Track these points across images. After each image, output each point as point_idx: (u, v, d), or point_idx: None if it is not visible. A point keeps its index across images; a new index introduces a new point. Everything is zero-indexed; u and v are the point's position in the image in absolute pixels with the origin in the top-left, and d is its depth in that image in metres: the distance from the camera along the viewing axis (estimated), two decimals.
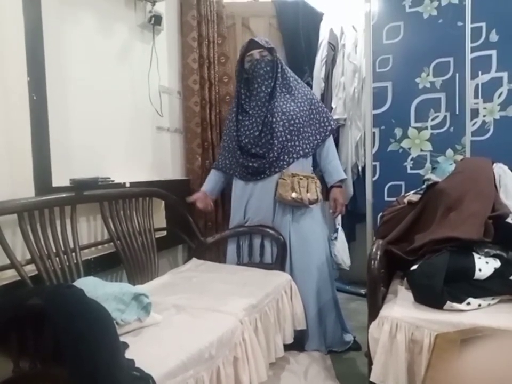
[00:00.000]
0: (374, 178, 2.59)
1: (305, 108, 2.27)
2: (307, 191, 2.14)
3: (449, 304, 1.42)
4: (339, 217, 2.46)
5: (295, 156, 2.21)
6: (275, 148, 2.16)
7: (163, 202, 2.36)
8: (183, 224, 2.35)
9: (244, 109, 2.28)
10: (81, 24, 1.94)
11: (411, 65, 2.50)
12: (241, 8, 2.93)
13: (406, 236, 1.79)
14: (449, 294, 1.43)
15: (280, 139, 2.17)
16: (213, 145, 2.78)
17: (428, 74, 2.47)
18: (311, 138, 2.28)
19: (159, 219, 2.35)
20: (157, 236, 2.20)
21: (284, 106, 2.22)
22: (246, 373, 1.47)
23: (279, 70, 2.26)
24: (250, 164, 2.21)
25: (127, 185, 2.07)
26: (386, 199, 2.54)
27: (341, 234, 2.43)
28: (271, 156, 2.17)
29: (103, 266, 1.92)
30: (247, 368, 1.49)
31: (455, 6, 2.37)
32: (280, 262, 2.17)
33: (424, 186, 1.87)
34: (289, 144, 2.20)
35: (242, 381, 1.44)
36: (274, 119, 2.18)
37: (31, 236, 1.54)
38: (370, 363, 1.48)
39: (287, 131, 2.19)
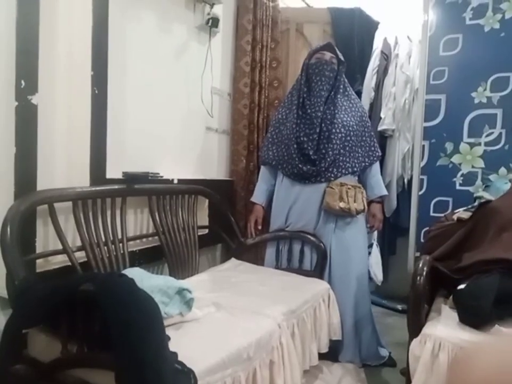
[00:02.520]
0: (420, 193, 2.53)
1: (360, 128, 2.27)
2: (354, 201, 2.13)
3: (497, 327, 1.36)
4: (375, 233, 2.43)
5: (343, 171, 2.20)
6: (328, 159, 2.15)
7: (207, 201, 2.39)
8: (224, 223, 2.37)
9: (304, 105, 2.24)
10: (143, 23, 2.00)
11: (467, 79, 2.43)
12: (296, 14, 2.94)
13: (454, 253, 1.74)
14: (498, 317, 1.38)
15: (336, 151, 2.17)
16: (258, 148, 2.79)
17: (485, 89, 2.39)
18: (360, 158, 2.27)
19: (202, 217, 2.38)
20: (198, 233, 2.24)
21: (345, 119, 2.20)
22: (281, 377, 1.47)
23: (342, 83, 2.26)
24: (300, 166, 2.17)
25: (175, 181, 2.12)
26: (431, 214, 2.47)
27: (375, 249, 2.40)
28: (322, 166, 2.16)
29: (147, 258, 1.97)
30: (282, 372, 1.48)
31: None
32: (320, 270, 2.15)
33: (475, 204, 1.82)
34: (341, 158, 2.19)
35: None
36: (334, 130, 2.16)
37: (83, 224, 1.61)
38: (408, 381, 1.44)
39: (341, 145, 2.18)
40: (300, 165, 2.17)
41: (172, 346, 1.15)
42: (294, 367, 1.56)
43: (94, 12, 1.65)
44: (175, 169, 2.21)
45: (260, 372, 1.36)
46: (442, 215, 2.07)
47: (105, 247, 1.68)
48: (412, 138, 2.86)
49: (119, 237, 1.76)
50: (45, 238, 1.60)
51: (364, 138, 2.29)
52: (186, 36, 2.29)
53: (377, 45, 2.98)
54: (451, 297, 1.59)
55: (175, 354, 1.10)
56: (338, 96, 2.24)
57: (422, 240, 2.42)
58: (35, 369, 1.26)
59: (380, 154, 2.36)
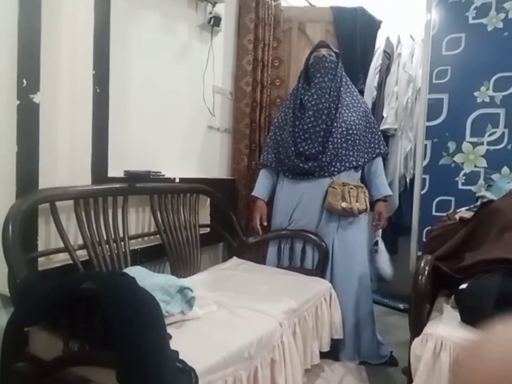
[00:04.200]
0: (422, 192, 2.52)
1: (362, 123, 2.27)
2: (356, 201, 2.13)
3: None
4: (380, 230, 2.43)
5: (347, 165, 2.20)
6: (329, 152, 2.15)
7: (209, 199, 2.39)
8: (226, 222, 2.37)
9: (303, 104, 2.24)
10: (145, 22, 2.00)
11: (470, 78, 2.42)
12: (299, 13, 2.94)
13: (456, 253, 1.74)
14: (500, 317, 1.37)
15: (337, 145, 2.17)
16: (260, 147, 2.79)
17: (488, 89, 2.38)
18: (362, 153, 2.27)
19: (204, 216, 2.38)
20: (200, 232, 2.24)
21: (346, 114, 2.21)
22: (282, 376, 1.47)
23: (342, 74, 2.30)
24: (301, 165, 2.18)
25: (177, 180, 2.12)
26: (434, 213, 2.46)
27: (381, 246, 2.40)
28: (324, 160, 2.16)
29: (148, 257, 1.97)
30: (283, 371, 1.48)
31: None
32: (321, 269, 2.15)
33: (478, 203, 1.81)
34: (343, 152, 2.19)
35: None
36: (336, 124, 2.17)
37: (85, 222, 1.61)
38: (410, 380, 1.44)
39: (343, 139, 2.18)
40: (301, 164, 2.18)
41: (173, 345, 1.15)
42: (295, 366, 1.56)
43: (96, 11, 1.65)
44: (177, 168, 2.21)
45: (261, 371, 1.36)
46: (444, 214, 2.07)
47: (107, 246, 1.69)
48: (414, 137, 2.86)
49: (121, 235, 1.76)
50: (47, 237, 1.60)
51: (366, 134, 2.30)
52: (188, 35, 2.29)
53: (380, 44, 2.97)
54: (453, 296, 1.59)
55: (176, 352, 1.10)
56: (342, 90, 2.25)
57: (424, 240, 2.41)
58: (37, 367, 1.26)
59: (384, 150, 2.35)
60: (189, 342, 1.24)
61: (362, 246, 2.23)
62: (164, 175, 1.99)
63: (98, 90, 1.69)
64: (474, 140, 2.42)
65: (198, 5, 2.31)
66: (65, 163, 1.65)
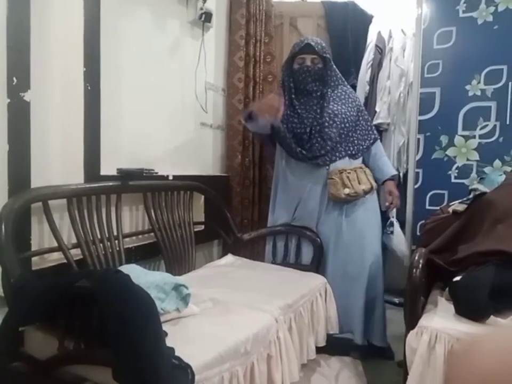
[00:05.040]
0: (416, 186, 2.53)
1: (354, 113, 2.27)
2: (359, 183, 2.13)
3: (492, 319, 1.37)
4: (394, 210, 2.41)
5: (343, 153, 2.21)
6: (322, 151, 2.17)
7: (202, 197, 2.39)
8: (220, 219, 2.37)
9: (293, 105, 2.23)
10: (135, 18, 1.99)
11: (461, 72, 2.43)
12: (290, 8, 2.93)
13: (449, 246, 1.75)
14: (494, 308, 1.39)
15: (329, 142, 2.17)
16: (253, 143, 2.79)
17: (479, 82, 2.40)
18: (355, 142, 2.27)
19: (198, 213, 2.38)
20: (195, 230, 2.24)
21: (335, 108, 2.21)
22: (279, 371, 1.47)
23: (331, 77, 2.25)
24: (298, 150, 2.20)
25: (170, 178, 2.11)
26: (427, 207, 2.48)
27: (396, 226, 2.36)
28: (318, 155, 2.18)
29: (143, 255, 1.96)
30: (280, 366, 1.49)
31: None
32: (316, 264, 2.16)
33: (471, 196, 1.82)
34: (337, 145, 2.21)
35: (275, 379, 1.44)
36: (326, 123, 2.17)
37: (78, 221, 1.60)
38: (405, 373, 1.45)
39: (337, 133, 2.19)
40: (298, 150, 2.20)
41: (169, 342, 1.15)
42: (291, 361, 1.56)
43: (86, 8, 1.64)
44: (170, 165, 2.20)
45: (258, 366, 1.37)
46: (438, 208, 2.08)
47: (101, 244, 1.68)
48: (407, 131, 2.86)
49: (115, 233, 1.75)
50: (40, 236, 1.59)
51: (359, 122, 2.30)
52: (179, 31, 2.27)
53: (371, 39, 2.97)
54: (447, 289, 1.60)
55: (172, 349, 1.09)
56: (328, 91, 2.24)
57: (418, 234, 2.43)
58: (32, 366, 1.26)
59: (377, 136, 2.38)
60: (185, 338, 1.24)
61: (373, 227, 2.23)
62: (157, 173, 1.98)
63: (89, 88, 1.67)
64: (466, 133, 2.43)
65: (188, 0, 2.30)
66: (57, 161, 1.64)
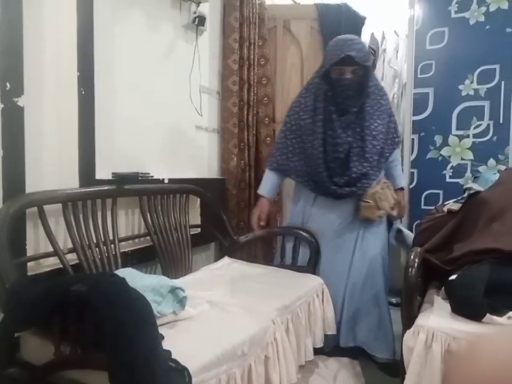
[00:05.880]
0: (411, 186, 2.55)
1: (386, 122, 2.10)
2: (386, 201, 2.05)
3: (488, 317, 1.37)
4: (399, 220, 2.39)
5: (373, 178, 2.06)
6: (354, 176, 2.01)
7: (198, 199, 2.39)
8: (216, 222, 2.37)
9: (332, 120, 2.03)
10: (129, 22, 1.99)
11: (454, 72, 2.45)
12: (283, 10, 2.94)
13: (445, 245, 1.75)
14: (490, 306, 1.39)
15: (367, 167, 2.01)
16: (249, 146, 2.80)
17: (472, 82, 2.42)
18: (385, 153, 2.11)
19: (194, 216, 2.38)
20: (191, 233, 2.23)
21: (374, 126, 2.03)
22: (277, 373, 1.47)
23: (370, 87, 2.04)
24: (337, 191, 2.03)
25: (166, 181, 2.11)
26: (423, 207, 2.50)
27: (404, 230, 2.36)
28: (352, 186, 2.02)
29: (139, 259, 1.96)
30: (277, 368, 1.48)
31: (504, 12, 2.31)
32: (313, 265, 2.15)
33: (465, 195, 1.83)
34: (371, 172, 2.04)
35: (272, 381, 1.44)
36: (367, 147, 2.00)
37: (73, 225, 1.60)
38: (403, 372, 1.45)
39: (374, 156, 2.03)
40: (337, 191, 2.03)
41: (166, 345, 1.14)
42: (289, 363, 1.56)
43: (79, 12, 1.64)
44: (165, 168, 2.20)
45: (255, 368, 1.36)
46: (433, 207, 2.09)
47: (97, 249, 1.67)
48: (401, 132, 2.87)
49: (111, 238, 1.75)
50: (36, 241, 1.59)
51: (389, 130, 2.13)
52: (173, 35, 2.28)
53: (365, 40, 2.98)
54: (443, 288, 1.61)
55: (168, 352, 1.09)
56: (367, 105, 2.03)
57: (413, 233, 2.43)
58: (28, 372, 1.25)
59: (400, 139, 2.24)
60: (181, 341, 1.24)
61: (382, 255, 2.13)
62: (152, 176, 1.98)
63: (83, 92, 1.68)
64: (460, 132, 2.45)
65: (182, 4, 2.30)
66: (52, 166, 1.63)
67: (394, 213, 2.13)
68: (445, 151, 2.47)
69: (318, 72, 2.09)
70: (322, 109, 2.04)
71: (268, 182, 2.25)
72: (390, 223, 2.30)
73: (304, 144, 2.11)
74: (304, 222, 2.22)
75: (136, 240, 2.02)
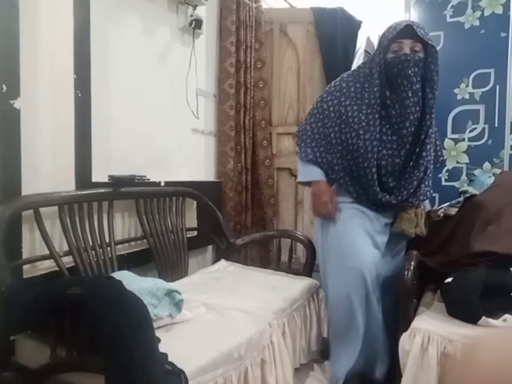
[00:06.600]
0: None
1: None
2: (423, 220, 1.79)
3: (484, 319, 1.39)
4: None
5: (422, 197, 1.76)
6: (411, 188, 1.71)
7: (195, 202, 2.39)
8: (213, 225, 2.37)
9: (389, 115, 1.68)
10: (126, 26, 1.99)
11: (450, 76, 2.46)
12: (280, 14, 2.95)
13: (441, 248, 1.77)
14: (485, 309, 1.40)
15: (420, 177, 1.72)
16: (246, 148, 2.80)
17: (467, 85, 2.43)
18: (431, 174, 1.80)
19: (191, 219, 2.38)
20: (187, 236, 2.23)
21: (431, 131, 1.71)
22: (273, 376, 1.47)
23: (432, 74, 1.67)
24: (379, 196, 1.70)
25: (162, 184, 2.11)
26: None
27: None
28: (401, 198, 1.71)
29: (136, 262, 1.95)
30: (273, 371, 1.49)
31: (498, 16, 2.33)
32: (309, 268, 2.16)
33: (461, 198, 1.84)
34: (422, 184, 1.74)
35: None
36: (424, 153, 1.68)
37: (70, 228, 1.59)
38: (399, 375, 1.45)
39: (426, 168, 1.73)
40: (379, 195, 1.70)
41: (162, 348, 1.14)
42: (285, 366, 1.56)
43: (76, 15, 1.64)
44: (161, 171, 2.20)
45: (251, 371, 1.37)
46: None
47: (93, 252, 1.67)
48: None
49: (107, 240, 1.74)
50: (32, 244, 1.58)
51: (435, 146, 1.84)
52: (169, 38, 2.28)
53: (361, 44, 3.00)
54: (439, 291, 1.62)
55: (165, 355, 1.09)
56: (429, 97, 1.67)
57: None
58: (24, 376, 1.24)
59: (443, 158, 1.95)
60: (178, 344, 1.24)
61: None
62: (148, 179, 1.98)
63: (80, 95, 1.67)
64: (455, 136, 2.46)
65: (178, 7, 2.31)
66: (48, 169, 1.63)
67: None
68: None
69: (377, 62, 1.70)
70: (374, 95, 1.69)
71: (310, 167, 1.81)
72: None
73: (346, 133, 1.75)
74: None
75: (133, 243, 2.02)
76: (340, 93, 1.77)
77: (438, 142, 1.87)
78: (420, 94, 1.64)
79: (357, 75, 1.78)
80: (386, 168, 1.68)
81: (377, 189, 1.69)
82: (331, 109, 1.78)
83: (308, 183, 1.86)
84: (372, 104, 1.68)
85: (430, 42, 1.65)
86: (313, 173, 1.80)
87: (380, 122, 1.67)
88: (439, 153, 1.89)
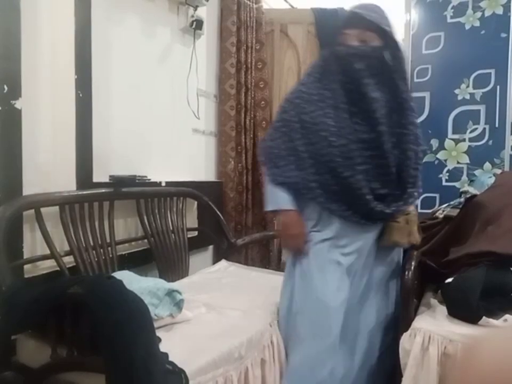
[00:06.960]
0: None
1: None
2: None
3: (484, 319, 1.38)
4: None
5: (411, 200, 1.54)
6: (397, 193, 1.50)
7: (196, 202, 2.39)
8: (213, 225, 2.37)
9: (360, 109, 1.44)
10: (127, 26, 2.00)
11: (450, 76, 2.47)
12: (280, 15, 2.96)
13: (441, 248, 1.76)
14: (485, 309, 1.40)
15: (411, 182, 1.51)
16: (246, 149, 2.81)
17: (468, 86, 2.43)
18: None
19: (191, 219, 2.38)
20: (188, 236, 2.23)
21: (411, 127, 1.49)
22: (273, 375, 1.47)
23: (399, 67, 1.45)
24: (379, 209, 1.45)
25: (163, 184, 2.11)
26: (420, 210, 2.49)
27: None
28: (403, 200, 1.50)
29: (136, 262, 1.96)
30: (274, 371, 1.49)
31: (499, 17, 2.33)
32: None
33: (462, 199, 1.84)
34: (410, 189, 1.52)
35: (269, 383, 1.44)
36: (407, 153, 1.47)
37: (70, 228, 1.59)
38: (400, 375, 1.45)
39: (414, 168, 1.51)
40: (371, 204, 1.44)
41: (163, 348, 1.15)
42: (285, 365, 1.56)
43: (77, 16, 1.64)
44: (162, 171, 2.20)
45: (252, 371, 1.37)
46: (430, 211, 2.10)
47: (94, 251, 1.67)
48: None
49: (108, 240, 1.75)
50: (32, 243, 1.58)
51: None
52: (170, 39, 2.28)
53: None
54: (439, 291, 1.61)
55: (165, 355, 1.09)
56: (402, 89, 1.46)
57: None
58: (25, 375, 1.25)
59: (425, 148, 1.66)
60: (178, 344, 1.24)
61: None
62: (149, 179, 1.98)
63: (81, 95, 1.68)
64: (456, 136, 2.46)
65: (179, 8, 2.31)
66: (49, 169, 1.63)
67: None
68: (441, 155, 2.48)
69: (325, 59, 1.52)
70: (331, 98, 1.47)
71: (280, 193, 1.51)
72: None
73: (321, 146, 1.48)
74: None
75: (133, 243, 2.02)
76: (300, 99, 1.51)
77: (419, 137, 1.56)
78: (385, 87, 1.42)
79: (315, 72, 1.53)
80: (372, 172, 1.45)
81: (369, 197, 1.43)
82: (294, 119, 1.51)
83: (277, 212, 1.58)
84: (338, 103, 1.44)
85: (385, 28, 1.42)
86: (283, 201, 1.51)
87: (352, 121, 1.43)
88: (420, 152, 1.56)
